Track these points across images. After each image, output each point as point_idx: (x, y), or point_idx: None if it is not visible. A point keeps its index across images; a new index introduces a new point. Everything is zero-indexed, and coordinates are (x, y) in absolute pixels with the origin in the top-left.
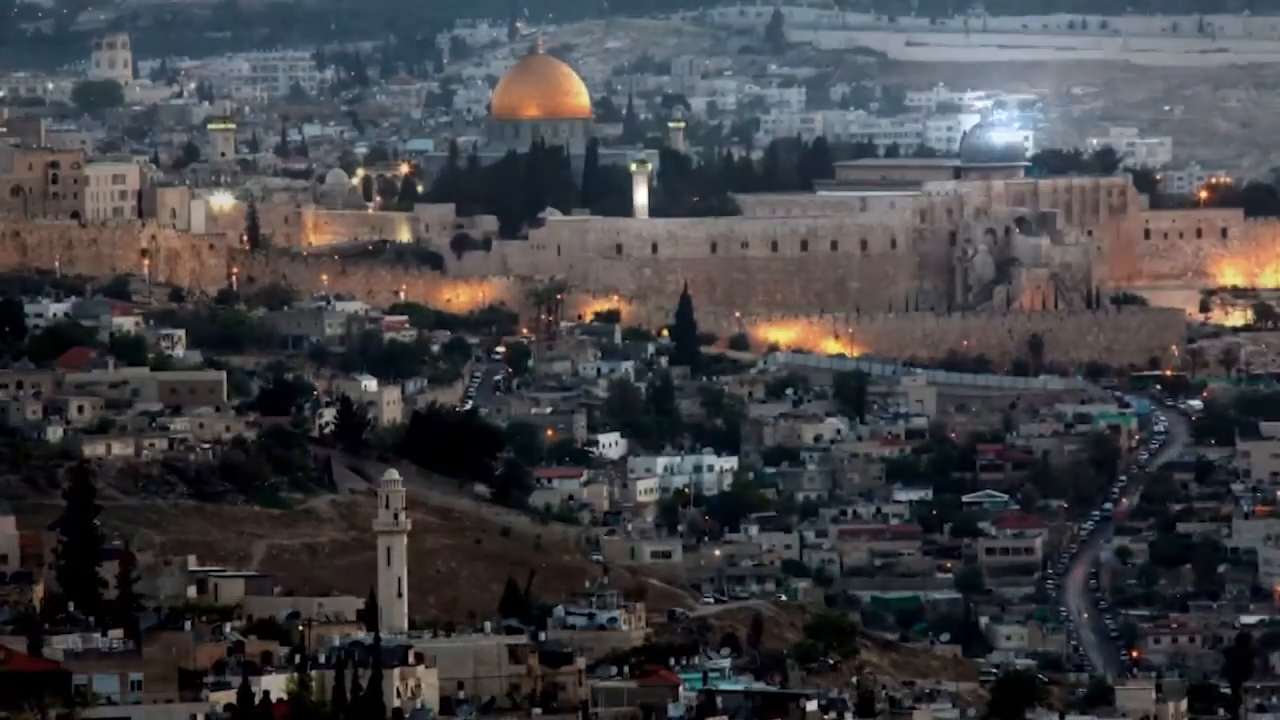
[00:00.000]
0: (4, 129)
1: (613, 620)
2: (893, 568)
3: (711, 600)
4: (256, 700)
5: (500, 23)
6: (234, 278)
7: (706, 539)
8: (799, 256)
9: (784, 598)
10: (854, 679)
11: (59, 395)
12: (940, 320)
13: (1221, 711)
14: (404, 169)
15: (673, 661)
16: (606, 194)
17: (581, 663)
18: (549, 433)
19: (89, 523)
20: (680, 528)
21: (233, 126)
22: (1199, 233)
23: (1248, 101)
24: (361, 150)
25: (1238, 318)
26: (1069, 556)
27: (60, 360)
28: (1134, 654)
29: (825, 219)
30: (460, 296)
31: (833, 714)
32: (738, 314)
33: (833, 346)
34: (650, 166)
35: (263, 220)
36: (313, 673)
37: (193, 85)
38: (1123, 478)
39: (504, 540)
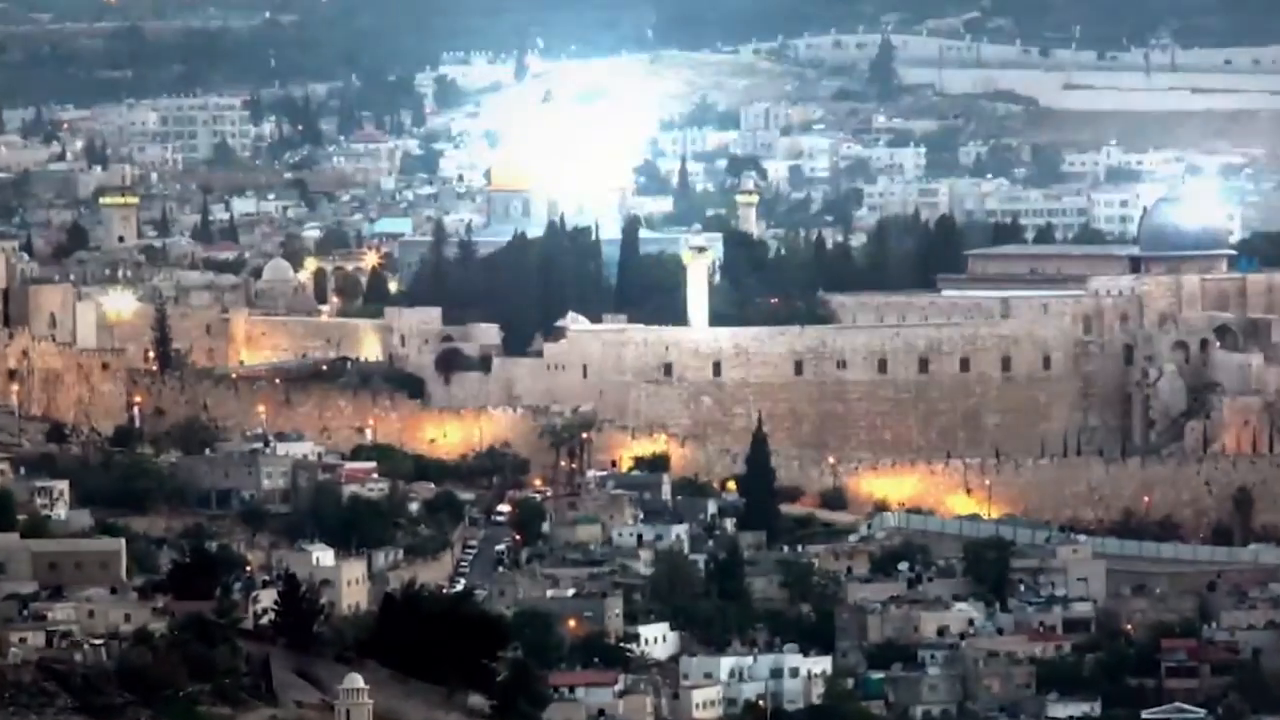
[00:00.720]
0: None
1: None
2: None
3: None
4: None
5: (504, 56)
6: (136, 409)
7: None
8: (916, 381)
9: None
10: None
11: None
12: (1112, 469)
13: None
14: (371, 259)
15: None
16: (651, 294)
17: None
18: (571, 623)
19: None
20: None
21: (135, 201)
22: None
23: None
24: (312, 233)
25: None
26: None
27: None
28: None
29: (953, 329)
30: (449, 435)
31: None
32: (832, 460)
33: (963, 505)
34: (712, 256)
35: (176, 330)
36: None
37: (79, 144)
38: None
39: None
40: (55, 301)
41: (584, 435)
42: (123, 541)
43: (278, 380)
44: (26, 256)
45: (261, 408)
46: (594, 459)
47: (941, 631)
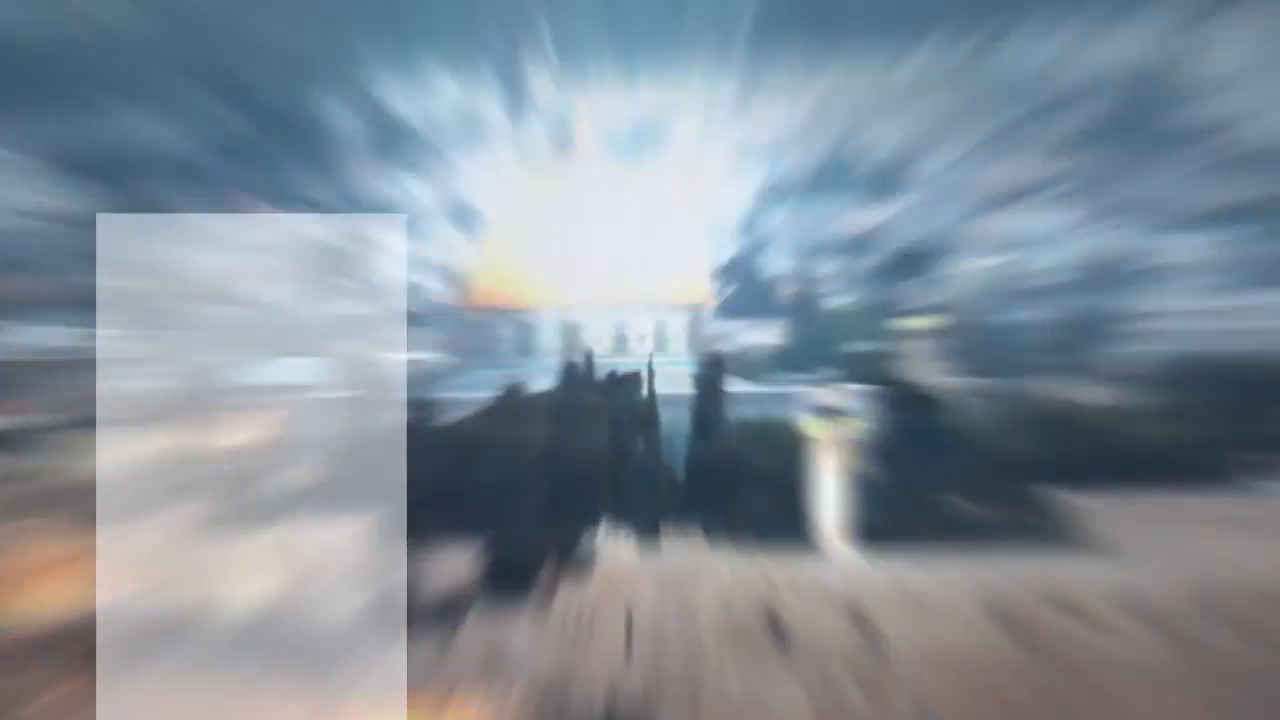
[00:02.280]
0: None
1: None
2: None
3: None
4: None
5: (489, 74)
6: None
7: None
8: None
9: None
10: None
11: None
12: None
13: None
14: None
15: None
16: (753, 498)
17: None
18: None
19: None
20: None
21: None
22: None
23: None
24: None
25: None
26: None
27: None
28: None
29: None
30: None
31: None
32: None
33: None
34: (856, 424)
35: None
36: None
37: None
38: None
39: None
40: None
41: None
42: None
43: None
44: None
45: None
46: None
47: None
